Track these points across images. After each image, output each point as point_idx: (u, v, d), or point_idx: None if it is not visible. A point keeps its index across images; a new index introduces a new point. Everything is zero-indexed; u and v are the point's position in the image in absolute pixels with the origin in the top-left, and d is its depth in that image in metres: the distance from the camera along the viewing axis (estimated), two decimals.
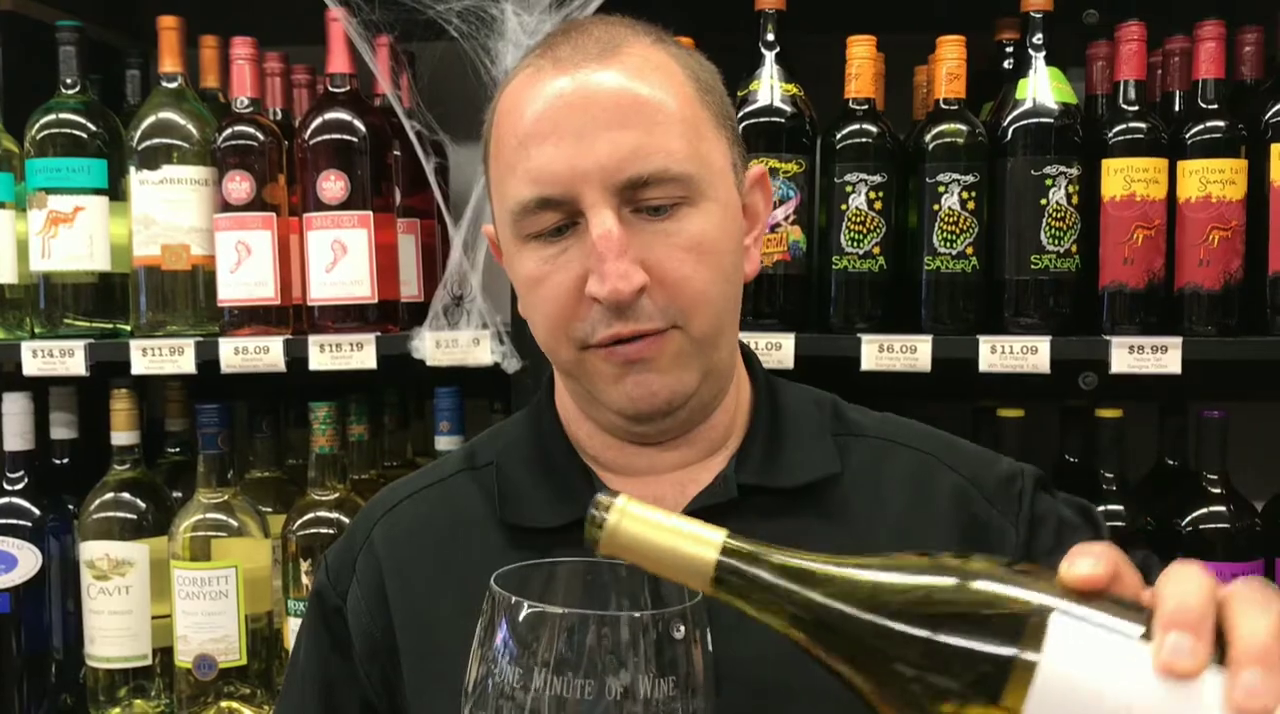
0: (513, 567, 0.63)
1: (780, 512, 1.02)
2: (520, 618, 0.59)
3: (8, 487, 1.75)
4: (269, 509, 1.75)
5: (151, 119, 1.69)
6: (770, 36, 1.61)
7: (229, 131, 1.68)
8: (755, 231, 1.04)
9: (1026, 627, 0.60)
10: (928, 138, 1.57)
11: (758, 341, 1.53)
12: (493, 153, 0.99)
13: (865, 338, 1.53)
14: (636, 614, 0.60)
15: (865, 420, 1.10)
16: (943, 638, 0.61)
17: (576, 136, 0.91)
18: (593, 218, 0.91)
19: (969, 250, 1.55)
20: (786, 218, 1.58)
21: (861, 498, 1.03)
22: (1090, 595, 0.62)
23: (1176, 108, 1.70)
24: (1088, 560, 0.62)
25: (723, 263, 0.95)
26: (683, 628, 0.60)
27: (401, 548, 1.05)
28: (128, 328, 1.74)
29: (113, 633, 1.70)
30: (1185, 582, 0.61)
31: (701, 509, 1.00)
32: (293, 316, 1.71)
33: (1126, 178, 1.53)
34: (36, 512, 1.75)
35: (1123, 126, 1.54)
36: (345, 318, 1.65)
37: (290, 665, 1.14)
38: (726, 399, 1.04)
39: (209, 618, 1.63)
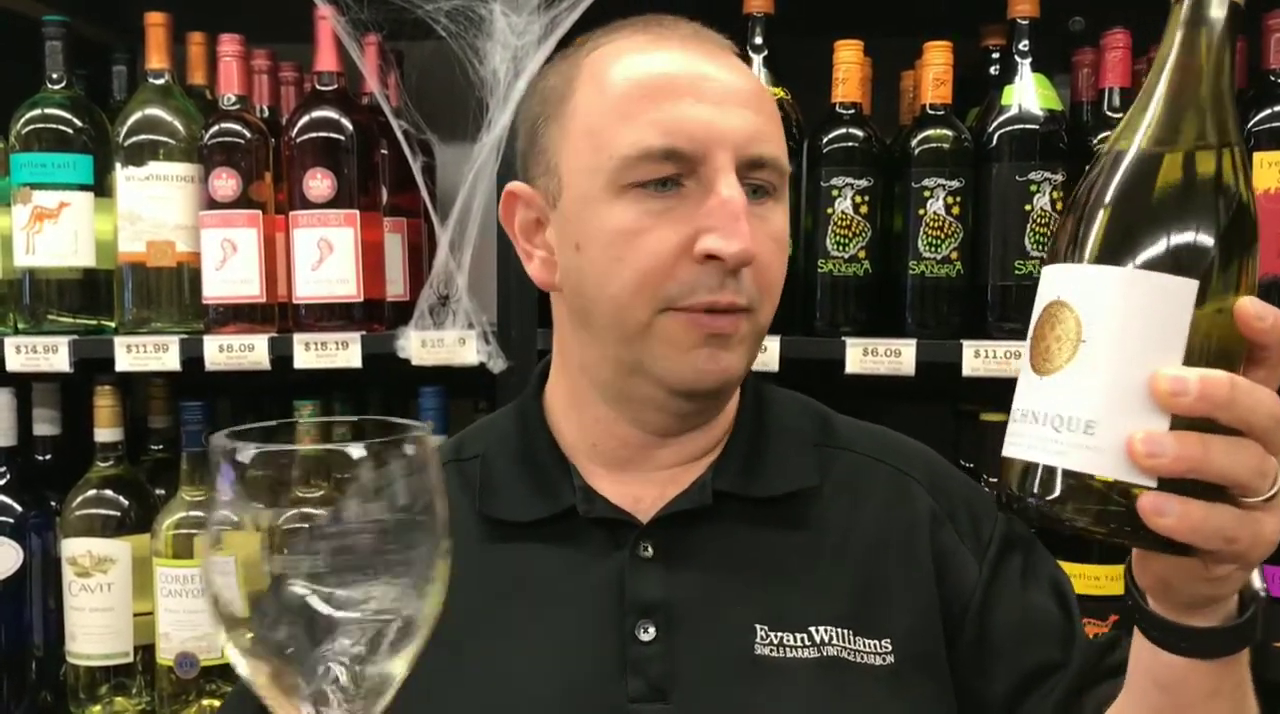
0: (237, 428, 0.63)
1: (754, 520, 1.03)
2: (240, 459, 0.59)
3: None
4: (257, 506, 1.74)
5: (138, 115, 1.69)
6: (758, 40, 1.62)
7: (215, 128, 1.67)
8: None
9: None
10: (914, 142, 1.57)
11: None
12: (584, 100, 0.98)
13: (850, 341, 1.54)
14: (358, 447, 0.60)
15: (852, 434, 1.11)
16: None
17: (717, 103, 0.94)
18: (722, 179, 0.93)
19: (954, 255, 1.56)
20: None
21: (837, 512, 1.04)
22: None
23: None
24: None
25: (785, 261, 1.01)
26: (407, 452, 0.60)
27: None
28: (112, 324, 1.74)
29: (94, 630, 1.69)
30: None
31: (676, 513, 1.01)
32: (278, 314, 1.70)
33: None
34: (18, 508, 1.74)
35: (1108, 134, 1.55)
36: (331, 316, 1.65)
37: None
38: (731, 402, 1.06)
39: (191, 616, 1.62)
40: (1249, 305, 0.66)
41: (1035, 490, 0.67)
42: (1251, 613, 0.75)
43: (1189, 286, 0.64)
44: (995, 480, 0.73)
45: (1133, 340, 0.64)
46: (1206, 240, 0.66)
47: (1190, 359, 0.64)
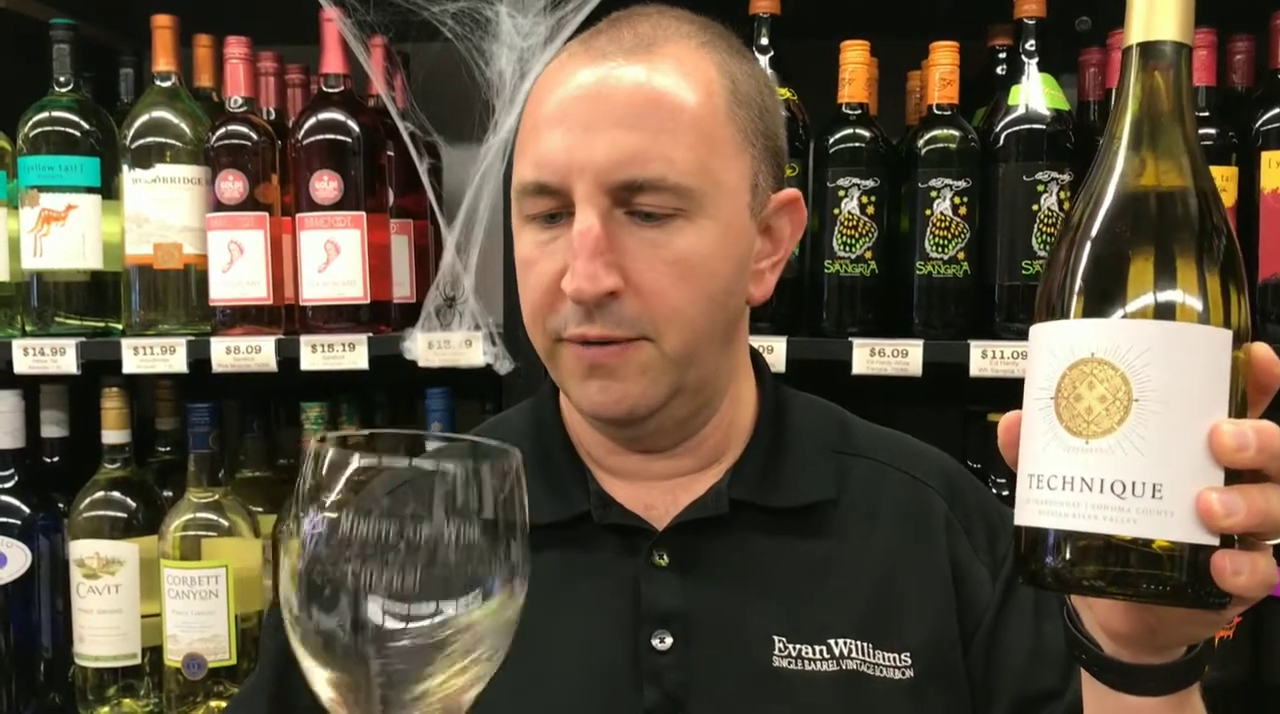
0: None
1: (771, 529, 1.01)
2: (341, 466, 0.59)
3: None
4: (260, 509, 1.75)
5: (145, 118, 1.69)
6: (764, 41, 1.61)
7: (222, 131, 1.67)
8: (776, 256, 1.01)
9: None
10: (920, 143, 1.57)
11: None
12: (518, 131, 0.99)
13: (857, 342, 1.54)
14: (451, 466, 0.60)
15: (870, 440, 1.09)
16: None
17: (583, 128, 0.90)
18: (579, 213, 0.90)
19: (960, 255, 1.55)
20: None
21: (855, 521, 1.03)
22: None
23: None
24: None
25: (709, 284, 0.93)
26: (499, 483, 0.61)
27: None
28: (119, 326, 1.74)
29: (102, 632, 1.69)
30: None
31: (691, 520, 1.00)
32: (285, 316, 1.71)
33: None
34: (26, 510, 1.75)
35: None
36: (337, 318, 1.65)
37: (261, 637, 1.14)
38: (719, 416, 1.03)
39: (199, 617, 1.63)
40: (1267, 351, 0.66)
41: (1102, 562, 0.63)
42: (1207, 641, 0.74)
43: (1226, 336, 0.64)
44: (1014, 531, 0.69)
45: (1190, 397, 0.62)
46: (1236, 286, 0.65)
47: (1231, 409, 0.64)
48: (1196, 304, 0.64)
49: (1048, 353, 0.66)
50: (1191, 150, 0.68)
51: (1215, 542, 0.62)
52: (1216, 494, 0.62)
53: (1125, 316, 0.64)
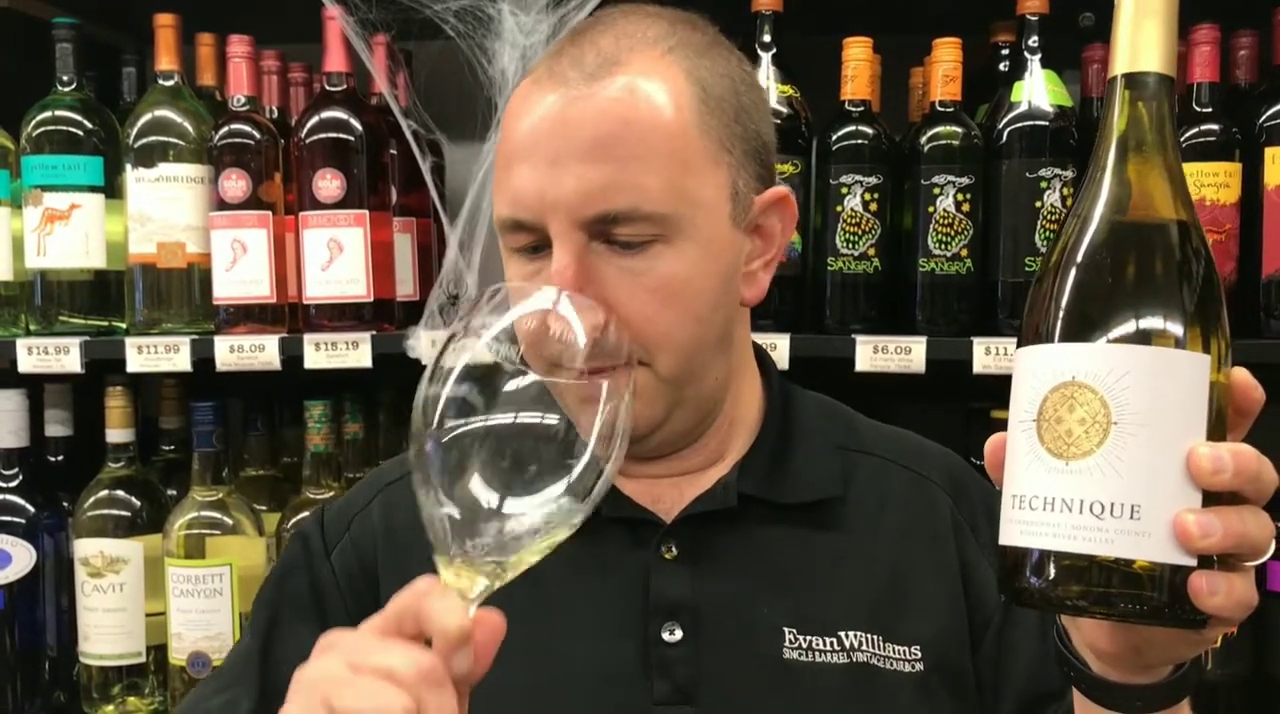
0: None
1: (778, 523, 1.01)
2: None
3: (2, 484, 1.75)
4: (264, 507, 1.75)
5: (148, 117, 1.69)
6: (767, 38, 1.61)
7: (225, 129, 1.68)
8: (768, 255, 1.00)
9: None
10: (923, 139, 1.57)
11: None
12: (495, 159, 0.98)
13: (860, 339, 1.54)
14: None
15: (876, 437, 1.09)
16: None
17: (550, 163, 0.88)
18: (555, 251, 0.89)
19: (964, 252, 1.55)
20: None
21: (862, 517, 1.03)
22: None
23: None
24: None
25: (695, 304, 0.92)
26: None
27: (395, 522, 1.05)
28: (123, 325, 1.74)
29: (107, 630, 1.70)
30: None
31: (699, 514, 1.00)
32: (288, 315, 1.71)
33: None
34: (31, 509, 1.75)
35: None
36: (341, 316, 1.65)
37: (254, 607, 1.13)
38: (721, 416, 1.03)
39: (203, 616, 1.63)
40: (1246, 376, 0.67)
41: (1082, 583, 0.64)
42: (1194, 659, 0.75)
43: (1205, 360, 0.65)
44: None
45: (1167, 420, 0.63)
46: (1215, 311, 0.66)
47: (1209, 432, 0.64)
48: (1174, 330, 0.65)
49: (1030, 376, 0.68)
50: (1173, 179, 0.69)
51: (1193, 562, 0.63)
52: (1193, 515, 0.63)
53: (1105, 342, 0.65)
